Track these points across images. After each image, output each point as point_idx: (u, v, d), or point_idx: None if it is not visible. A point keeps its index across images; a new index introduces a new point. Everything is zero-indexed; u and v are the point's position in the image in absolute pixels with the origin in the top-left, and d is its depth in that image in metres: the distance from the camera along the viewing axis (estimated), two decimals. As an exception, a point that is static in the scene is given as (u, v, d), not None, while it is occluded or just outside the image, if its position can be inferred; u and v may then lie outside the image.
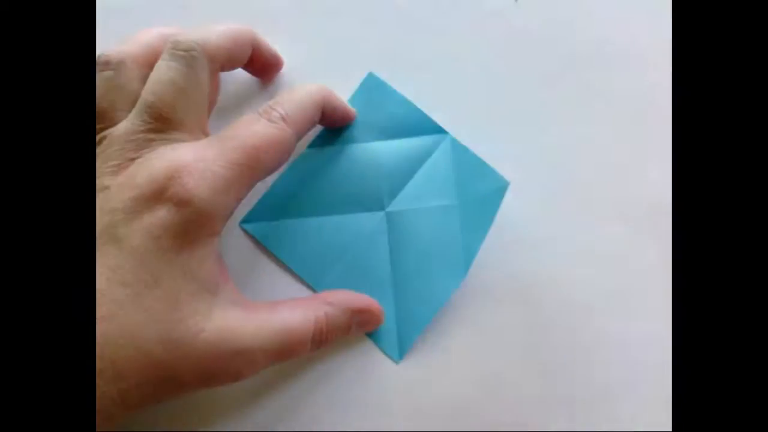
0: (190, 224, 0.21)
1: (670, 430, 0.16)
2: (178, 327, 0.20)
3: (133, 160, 0.21)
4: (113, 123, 0.22)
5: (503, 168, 0.26)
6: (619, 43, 0.28)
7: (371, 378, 0.26)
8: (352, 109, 0.27)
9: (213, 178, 0.21)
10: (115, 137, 0.22)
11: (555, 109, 0.28)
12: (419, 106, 0.28)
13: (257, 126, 0.23)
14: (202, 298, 0.21)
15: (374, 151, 0.27)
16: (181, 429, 0.25)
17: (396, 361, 0.26)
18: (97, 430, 0.19)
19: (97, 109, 0.22)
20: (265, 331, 0.22)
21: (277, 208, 0.27)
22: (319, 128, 0.28)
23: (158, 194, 0.21)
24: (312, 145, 0.28)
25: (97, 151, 0.22)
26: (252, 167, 0.22)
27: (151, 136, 0.22)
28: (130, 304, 0.20)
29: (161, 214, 0.20)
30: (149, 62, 0.24)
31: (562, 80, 0.28)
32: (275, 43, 0.27)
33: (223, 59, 0.24)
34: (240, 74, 0.28)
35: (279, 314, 0.23)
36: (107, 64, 0.23)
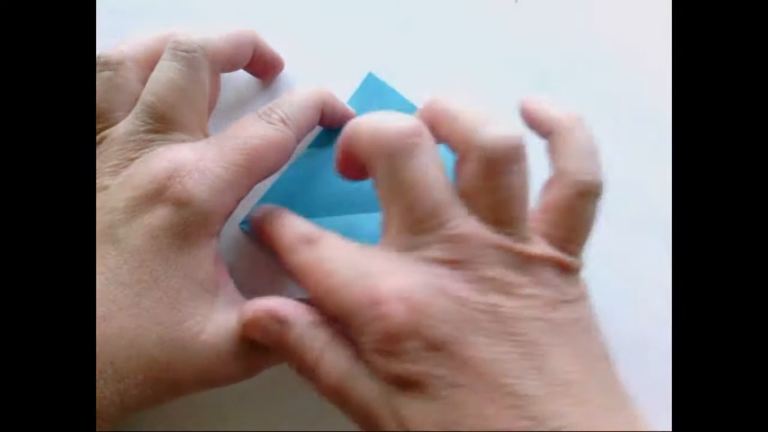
0: (190, 224, 0.21)
1: (670, 430, 0.16)
2: (178, 328, 0.20)
3: (132, 160, 0.21)
4: (113, 123, 0.22)
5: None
6: (619, 43, 0.28)
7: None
8: (352, 111, 0.27)
9: (212, 178, 0.21)
10: (114, 137, 0.22)
11: (555, 110, 0.28)
12: (419, 106, 0.28)
13: (257, 127, 0.23)
14: (201, 299, 0.21)
15: (374, 151, 0.27)
16: (181, 429, 0.25)
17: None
18: (96, 431, 0.19)
19: (96, 109, 0.22)
20: None
21: (277, 209, 0.27)
22: (319, 129, 0.28)
23: (158, 194, 0.21)
24: (312, 145, 0.28)
25: (97, 151, 0.22)
26: (251, 168, 0.22)
27: (151, 136, 0.22)
28: (129, 304, 0.20)
29: (161, 215, 0.20)
30: (149, 63, 0.23)
31: (562, 80, 0.28)
32: (275, 43, 0.27)
33: (224, 60, 0.24)
34: (240, 74, 0.28)
35: None
36: (107, 64, 0.23)
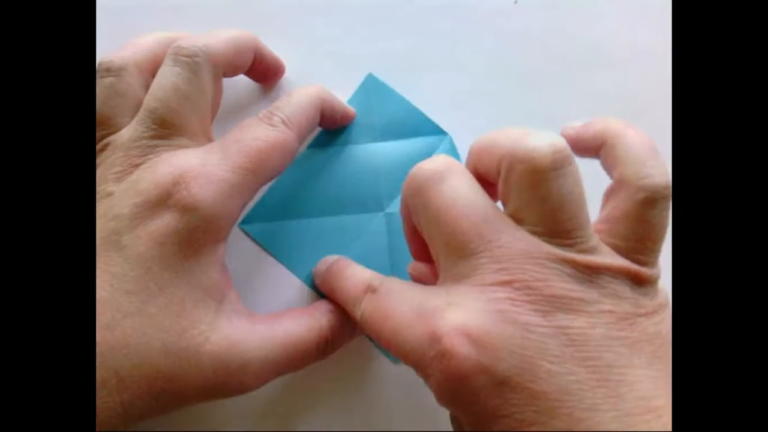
0: (196, 230, 0.20)
1: (670, 430, 0.16)
2: (183, 337, 0.20)
3: (137, 166, 0.21)
4: (116, 129, 0.22)
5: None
6: (619, 43, 0.28)
7: (370, 379, 0.26)
8: (352, 109, 0.27)
9: (218, 182, 0.21)
10: (118, 144, 0.22)
11: (555, 110, 0.28)
12: (418, 107, 0.28)
13: (259, 130, 0.22)
14: (207, 307, 0.21)
15: (373, 152, 0.27)
16: (181, 429, 0.25)
17: (395, 362, 0.26)
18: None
19: (99, 116, 0.22)
20: (271, 342, 0.21)
21: (277, 209, 0.27)
22: (318, 129, 0.28)
23: (163, 200, 0.20)
24: (311, 145, 0.28)
25: (101, 157, 0.22)
26: (256, 172, 0.22)
27: (155, 142, 0.22)
28: (134, 312, 0.19)
29: (166, 220, 0.20)
30: (151, 68, 0.23)
31: (561, 80, 0.28)
32: (275, 45, 0.27)
33: (226, 65, 0.23)
34: (241, 79, 0.27)
35: (283, 325, 0.22)
36: (109, 70, 0.22)
